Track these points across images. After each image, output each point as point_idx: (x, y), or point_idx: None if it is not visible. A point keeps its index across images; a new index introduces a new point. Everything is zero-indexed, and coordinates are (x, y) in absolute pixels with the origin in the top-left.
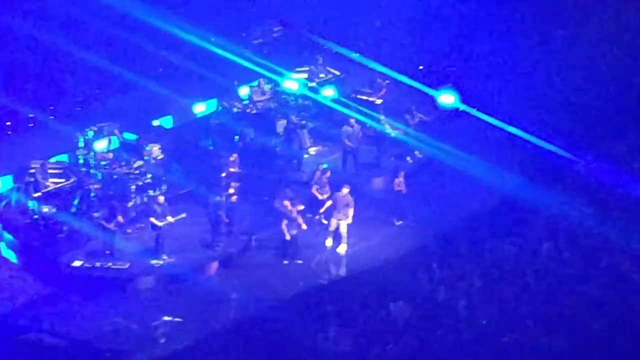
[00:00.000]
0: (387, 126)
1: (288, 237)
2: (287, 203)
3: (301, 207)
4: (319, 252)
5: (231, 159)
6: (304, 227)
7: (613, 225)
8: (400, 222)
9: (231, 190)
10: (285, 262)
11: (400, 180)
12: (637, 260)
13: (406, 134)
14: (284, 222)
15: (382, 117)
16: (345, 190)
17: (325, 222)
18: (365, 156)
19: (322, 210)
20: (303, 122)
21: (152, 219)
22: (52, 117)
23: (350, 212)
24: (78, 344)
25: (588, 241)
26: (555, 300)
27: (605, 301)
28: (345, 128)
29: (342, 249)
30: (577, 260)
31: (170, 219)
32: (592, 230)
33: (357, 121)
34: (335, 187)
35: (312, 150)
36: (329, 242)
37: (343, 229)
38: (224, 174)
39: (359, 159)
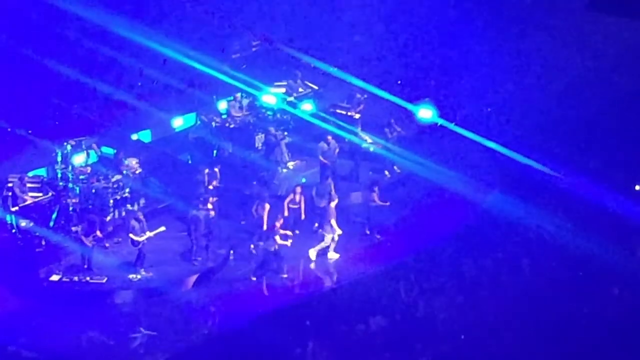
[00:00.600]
0: (365, 140)
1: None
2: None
3: (280, 222)
4: (298, 266)
5: (207, 171)
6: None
7: (591, 240)
8: (379, 237)
9: (209, 205)
10: (264, 276)
11: (375, 194)
12: (615, 274)
13: (385, 148)
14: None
15: (360, 131)
16: (334, 203)
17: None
18: (343, 170)
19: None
20: (283, 134)
21: (131, 235)
22: (29, 132)
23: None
24: (56, 358)
25: (566, 255)
26: (535, 314)
27: (584, 315)
28: (322, 144)
29: (332, 255)
30: (556, 274)
31: (149, 233)
32: (571, 244)
33: (334, 137)
34: (312, 201)
35: (291, 165)
36: (313, 254)
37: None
38: (202, 189)
39: (338, 173)
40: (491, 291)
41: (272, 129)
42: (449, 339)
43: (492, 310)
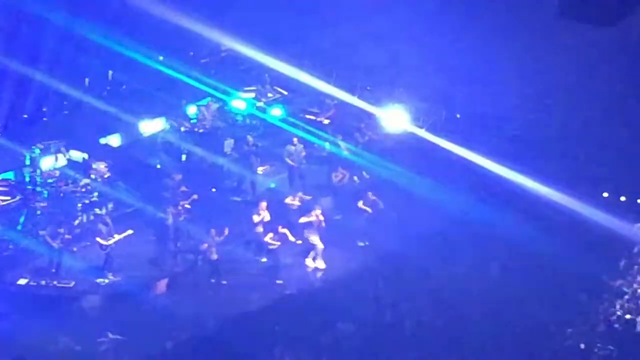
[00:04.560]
0: (336, 145)
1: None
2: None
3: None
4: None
5: (177, 178)
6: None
7: (561, 246)
8: (363, 243)
9: (180, 209)
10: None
11: (373, 198)
12: (583, 281)
13: (355, 154)
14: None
15: (331, 137)
16: (319, 211)
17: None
18: (314, 176)
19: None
20: (256, 143)
21: (98, 239)
22: None
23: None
24: None
25: (535, 262)
26: (503, 321)
27: (553, 322)
28: (288, 147)
29: (321, 264)
30: (525, 281)
31: (117, 236)
32: (541, 251)
33: (301, 140)
34: (282, 206)
35: (260, 170)
36: (310, 262)
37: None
38: (167, 194)
39: (307, 179)
40: (460, 297)
41: (249, 138)
42: (417, 346)
43: (461, 316)
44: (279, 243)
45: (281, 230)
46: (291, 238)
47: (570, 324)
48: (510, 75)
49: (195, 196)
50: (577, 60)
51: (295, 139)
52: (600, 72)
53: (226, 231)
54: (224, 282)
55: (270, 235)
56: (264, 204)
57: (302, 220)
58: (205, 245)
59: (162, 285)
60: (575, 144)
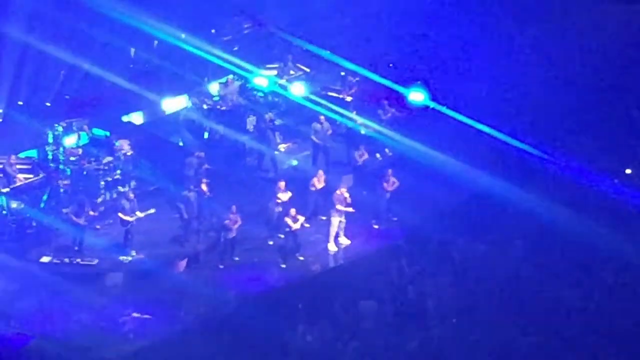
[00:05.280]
0: (357, 123)
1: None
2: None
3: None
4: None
5: (199, 155)
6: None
7: (583, 223)
8: (386, 222)
9: (203, 187)
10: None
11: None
12: (606, 259)
13: (377, 131)
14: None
15: (353, 114)
16: (344, 189)
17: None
18: (335, 154)
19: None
20: (276, 120)
21: (121, 214)
22: (20, 113)
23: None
24: (46, 339)
25: (558, 239)
26: (525, 298)
27: (574, 300)
28: (314, 125)
29: (344, 241)
30: (547, 258)
31: (139, 214)
32: (562, 228)
33: (327, 118)
34: (304, 184)
35: (282, 147)
36: (332, 246)
37: (343, 223)
38: (192, 171)
39: (330, 156)
40: (482, 274)
41: (269, 115)
42: (439, 322)
43: (483, 294)
44: (298, 223)
45: (294, 214)
46: (301, 220)
47: (592, 301)
48: (531, 51)
49: (206, 166)
50: (597, 35)
51: (322, 117)
52: (621, 47)
53: (234, 209)
54: (237, 259)
55: (292, 212)
56: (282, 184)
57: (338, 206)
58: (227, 221)
59: (184, 263)
60: (597, 119)
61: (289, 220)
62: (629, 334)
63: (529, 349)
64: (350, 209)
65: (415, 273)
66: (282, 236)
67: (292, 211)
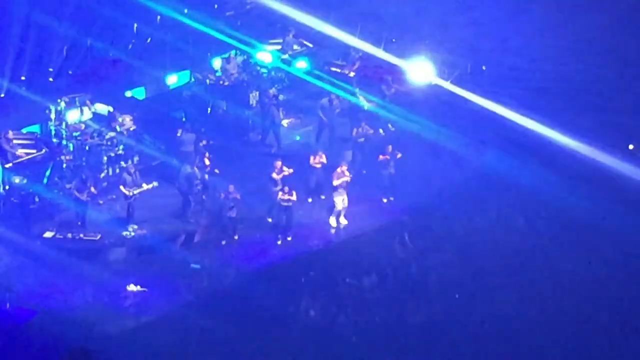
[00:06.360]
0: (361, 98)
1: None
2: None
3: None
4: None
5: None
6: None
7: (586, 200)
8: (387, 199)
9: (206, 161)
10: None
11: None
12: (608, 235)
13: (380, 107)
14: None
15: (357, 90)
16: (345, 167)
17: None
18: (338, 129)
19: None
20: (279, 95)
21: (122, 188)
22: (23, 88)
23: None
24: (50, 314)
25: (561, 215)
26: (528, 273)
27: (577, 275)
28: (323, 101)
29: (343, 221)
30: (550, 234)
31: (144, 185)
32: (564, 203)
33: (337, 96)
34: (307, 160)
35: (285, 123)
36: (333, 221)
37: (345, 203)
38: (190, 147)
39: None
40: (485, 250)
41: (272, 90)
42: (442, 298)
43: (486, 269)
44: (293, 199)
45: (287, 190)
46: (294, 196)
47: (594, 277)
48: (536, 27)
49: (204, 142)
50: (603, 12)
51: (333, 95)
52: (628, 23)
53: (231, 188)
54: (236, 237)
55: (286, 189)
56: (278, 163)
57: (335, 182)
58: (225, 199)
59: (187, 238)
60: (601, 96)
61: (282, 195)
62: (631, 309)
63: (532, 323)
64: (346, 180)
65: (418, 248)
66: (270, 220)
67: (286, 188)
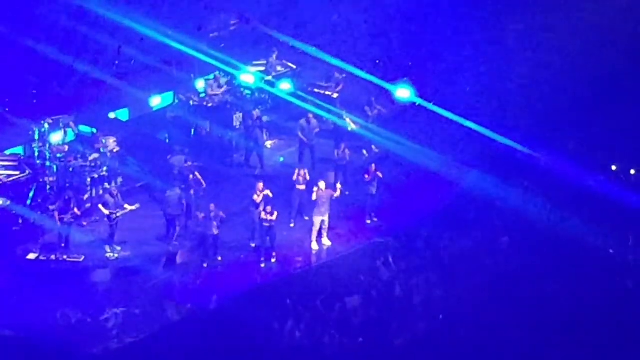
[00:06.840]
0: (345, 120)
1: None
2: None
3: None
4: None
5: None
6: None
7: (569, 220)
8: (371, 220)
9: (197, 175)
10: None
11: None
12: (592, 255)
13: (364, 128)
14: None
15: (342, 112)
16: (323, 184)
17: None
18: (322, 150)
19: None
20: (262, 117)
21: (102, 207)
22: (6, 110)
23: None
24: (33, 336)
25: (545, 235)
26: (513, 294)
27: (561, 295)
28: (301, 122)
29: (326, 242)
30: (534, 254)
31: (127, 207)
32: (548, 224)
33: (315, 116)
34: (291, 181)
35: (268, 144)
36: (315, 245)
37: (326, 224)
38: (175, 171)
39: (316, 154)
40: (469, 271)
41: (256, 112)
42: (426, 319)
43: (470, 290)
44: (273, 219)
45: (269, 210)
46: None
47: (578, 297)
48: (516, 48)
49: (189, 163)
50: (586, 31)
51: (310, 115)
52: (612, 41)
53: (212, 207)
54: (219, 258)
55: (268, 209)
56: (260, 185)
57: (314, 197)
58: (202, 215)
59: (171, 259)
60: (585, 115)
61: (263, 215)
62: (616, 329)
63: (517, 344)
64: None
65: (402, 269)
66: (254, 245)
67: (268, 208)
